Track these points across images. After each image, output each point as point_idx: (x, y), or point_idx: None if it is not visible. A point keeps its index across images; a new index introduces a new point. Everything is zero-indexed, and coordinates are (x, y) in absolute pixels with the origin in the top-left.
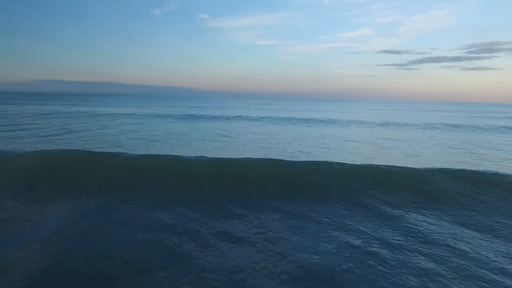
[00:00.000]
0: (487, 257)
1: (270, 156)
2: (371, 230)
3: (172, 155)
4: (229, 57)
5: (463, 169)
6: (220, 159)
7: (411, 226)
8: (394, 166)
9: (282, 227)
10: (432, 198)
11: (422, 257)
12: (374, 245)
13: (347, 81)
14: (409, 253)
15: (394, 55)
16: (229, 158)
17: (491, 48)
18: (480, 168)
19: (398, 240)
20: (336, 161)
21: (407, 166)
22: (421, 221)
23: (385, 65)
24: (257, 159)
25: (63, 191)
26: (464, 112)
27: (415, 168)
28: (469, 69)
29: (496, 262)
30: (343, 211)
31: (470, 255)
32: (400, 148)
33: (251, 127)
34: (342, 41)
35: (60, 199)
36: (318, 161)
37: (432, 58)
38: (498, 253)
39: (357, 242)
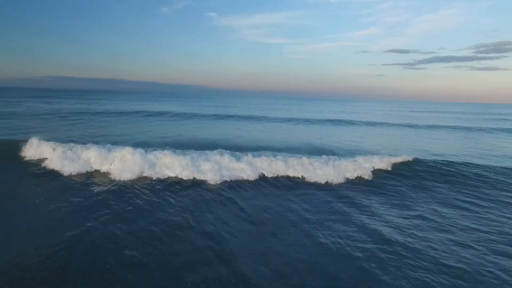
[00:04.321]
0: None
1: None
2: None
3: None
4: (238, 55)
5: None
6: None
7: None
8: None
9: None
10: None
11: None
12: None
13: (355, 81)
14: None
15: (402, 55)
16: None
17: (500, 48)
18: None
19: None
20: None
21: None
22: None
23: (392, 64)
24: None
25: None
26: None
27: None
28: (478, 69)
29: None
30: None
31: None
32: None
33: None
34: (350, 40)
35: None
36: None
37: (441, 58)
38: None
39: None
